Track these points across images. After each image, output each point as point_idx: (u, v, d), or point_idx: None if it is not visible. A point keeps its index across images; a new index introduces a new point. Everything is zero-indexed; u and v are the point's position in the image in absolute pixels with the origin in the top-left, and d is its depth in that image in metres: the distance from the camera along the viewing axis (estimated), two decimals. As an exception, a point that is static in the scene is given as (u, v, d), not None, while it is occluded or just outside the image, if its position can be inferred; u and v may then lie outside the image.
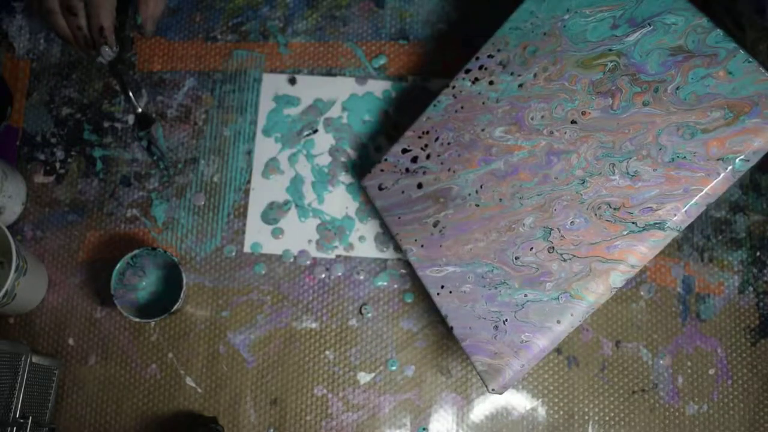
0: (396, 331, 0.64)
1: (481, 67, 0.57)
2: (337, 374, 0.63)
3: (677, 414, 0.62)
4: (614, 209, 0.50)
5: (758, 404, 0.62)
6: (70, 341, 0.64)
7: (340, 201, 0.66)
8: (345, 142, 0.67)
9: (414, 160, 0.59)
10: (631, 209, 0.49)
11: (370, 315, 0.64)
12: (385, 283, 0.64)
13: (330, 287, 0.65)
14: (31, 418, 0.56)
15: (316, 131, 0.67)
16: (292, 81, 0.68)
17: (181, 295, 0.60)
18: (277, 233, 0.66)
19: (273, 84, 0.68)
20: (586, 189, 0.51)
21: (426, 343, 0.64)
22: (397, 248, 0.65)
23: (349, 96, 0.68)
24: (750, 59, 0.47)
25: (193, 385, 0.63)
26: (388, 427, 0.62)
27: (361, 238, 0.65)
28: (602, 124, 0.51)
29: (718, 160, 0.47)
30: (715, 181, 0.47)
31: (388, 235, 0.65)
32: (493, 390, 0.52)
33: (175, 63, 0.69)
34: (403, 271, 0.65)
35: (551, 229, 0.52)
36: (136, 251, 0.60)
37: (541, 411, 0.62)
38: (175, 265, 0.62)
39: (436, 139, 0.58)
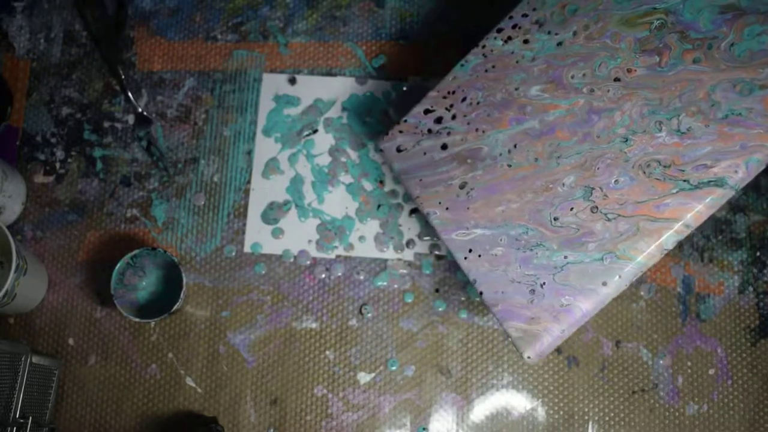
0: (396, 331, 0.64)
1: (515, 26, 0.55)
2: (337, 374, 0.63)
3: (677, 414, 0.62)
4: (664, 167, 0.48)
5: (758, 404, 0.62)
6: (70, 341, 0.64)
7: (340, 201, 0.66)
8: (345, 142, 0.67)
9: (438, 120, 0.57)
10: (683, 167, 0.48)
11: (370, 315, 0.64)
12: (385, 283, 0.64)
13: (330, 287, 0.65)
14: (31, 418, 0.56)
15: (316, 131, 0.67)
16: (292, 81, 0.68)
17: (181, 295, 0.60)
18: (277, 233, 0.66)
19: (273, 84, 0.68)
20: (630, 147, 0.50)
21: (426, 343, 0.64)
22: (397, 248, 0.65)
23: (349, 96, 0.68)
24: None
25: (193, 385, 0.63)
26: (388, 427, 0.62)
27: (361, 238, 0.65)
28: (648, 81, 0.50)
29: None
30: None
31: (387, 235, 0.65)
32: (529, 357, 0.50)
33: (175, 63, 0.69)
34: (403, 271, 0.65)
35: (593, 189, 0.50)
36: (136, 251, 0.60)
37: (541, 411, 0.62)
38: (175, 265, 0.62)
39: (463, 99, 0.56)
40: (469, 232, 0.54)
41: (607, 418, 0.62)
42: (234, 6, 0.70)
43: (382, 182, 0.66)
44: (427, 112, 0.58)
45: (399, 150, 0.58)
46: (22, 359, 0.56)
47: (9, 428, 0.54)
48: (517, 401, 0.62)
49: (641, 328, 0.63)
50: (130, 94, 0.67)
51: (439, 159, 0.56)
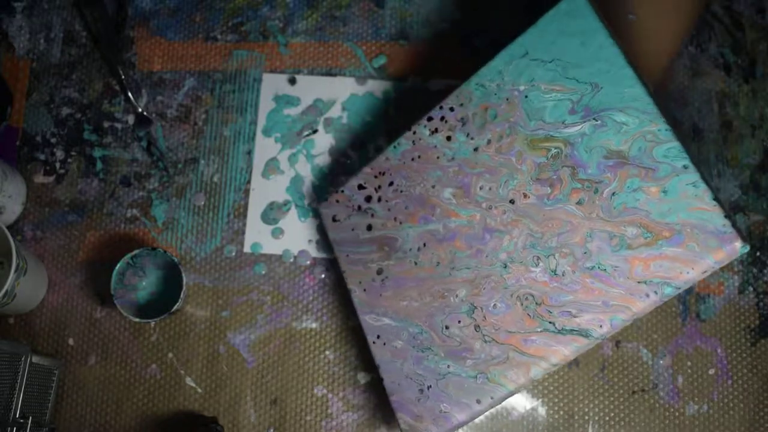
0: (396, 331, 0.64)
1: (442, 119, 0.55)
2: (337, 374, 0.63)
3: (677, 414, 0.62)
4: (537, 304, 0.49)
5: (758, 404, 0.62)
6: (70, 341, 0.64)
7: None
8: (345, 142, 0.67)
9: (368, 199, 0.58)
10: (551, 308, 0.48)
11: (370, 315, 0.64)
12: (385, 283, 0.64)
13: (330, 287, 0.65)
14: (31, 418, 0.56)
15: (316, 131, 0.67)
16: (292, 81, 0.68)
17: (181, 295, 0.60)
18: (277, 233, 0.66)
19: (273, 84, 0.68)
20: (508, 274, 0.50)
21: (426, 343, 0.64)
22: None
23: (349, 96, 0.68)
24: (699, 183, 0.43)
25: (193, 385, 0.63)
26: (388, 427, 0.62)
27: (361, 238, 0.65)
28: (534, 212, 0.50)
29: (640, 282, 0.45)
30: (643, 303, 0.45)
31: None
32: None
33: (175, 63, 0.69)
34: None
35: (476, 307, 0.51)
36: (136, 251, 0.60)
37: (541, 411, 0.62)
38: (175, 265, 0.62)
39: (390, 184, 0.57)
40: (379, 319, 0.56)
41: (607, 418, 0.62)
42: (234, 6, 0.70)
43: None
44: (360, 187, 0.59)
45: (334, 219, 0.60)
46: (22, 359, 0.56)
47: (9, 428, 0.54)
48: (517, 401, 0.62)
49: (641, 328, 0.63)
50: (130, 94, 0.67)
51: (363, 239, 0.58)
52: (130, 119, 0.68)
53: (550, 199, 0.49)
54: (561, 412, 0.62)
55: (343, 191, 0.60)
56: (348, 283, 0.58)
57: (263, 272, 0.65)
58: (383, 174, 0.58)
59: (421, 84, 0.68)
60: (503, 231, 0.51)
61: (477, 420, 0.62)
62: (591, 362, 0.63)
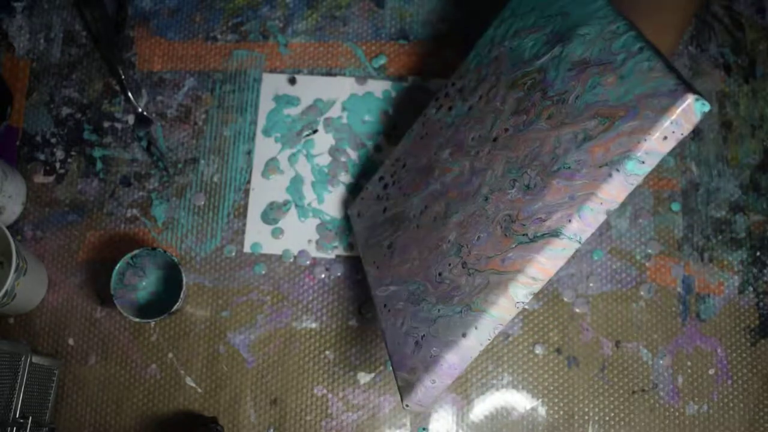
0: (396, 331, 0.64)
1: (446, 95, 0.59)
2: (337, 374, 0.63)
3: (677, 414, 0.62)
4: (512, 221, 0.49)
5: (758, 404, 0.62)
6: (70, 341, 0.64)
7: (340, 201, 0.66)
8: (345, 142, 0.67)
9: (385, 187, 0.61)
10: (524, 221, 0.48)
11: (370, 315, 0.64)
12: (385, 283, 0.64)
13: (330, 287, 0.65)
14: (31, 418, 0.56)
15: (316, 131, 0.67)
16: (292, 81, 0.68)
17: (181, 295, 0.60)
18: (277, 233, 0.66)
19: (273, 84, 0.68)
20: (489, 204, 0.50)
21: (426, 343, 0.64)
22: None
23: (349, 96, 0.68)
24: (653, 58, 0.43)
25: (193, 385, 0.63)
26: (388, 427, 0.62)
27: (361, 238, 0.65)
28: (511, 141, 0.51)
29: (602, 166, 0.44)
30: (608, 185, 0.44)
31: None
32: (406, 406, 0.51)
33: (175, 63, 0.69)
34: (403, 271, 0.65)
35: (462, 245, 0.51)
36: (136, 251, 0.60)
37: (541, 411, 0.62)
38: (175, 265, 0.62)
39: (403, 166, 0.60)
40: (387, 288, 0.56)
41: (607, 418, 0.62)
42: (234, 6, 0.70)
43: (382, 182, 0.66)
44: (380, 179, 0.62)
45: (359, 215, 0.62)
46: (22, 359, 0.56)
47: (9, 428, 0.54)
48: (517, 401, 0.62)
49: (641, 328, 0.63)
50: (130, 94, 0.67)
51: (380, 222, 0.60)
52: (130, 119, 0.68)
53: (525, 125, 0.50)
54: (561, 412, 0.62)
55: (367, 188, 0.63)
56: (365, 266, 0.59)
57: (263, 272, 0.65)
58: (398, 160, 0.61)
59: (421, 84, 0.68)
60: (486, 168, 0.52)
61: (477, 419, 0.62)
62: (591, 362, 0.63)
